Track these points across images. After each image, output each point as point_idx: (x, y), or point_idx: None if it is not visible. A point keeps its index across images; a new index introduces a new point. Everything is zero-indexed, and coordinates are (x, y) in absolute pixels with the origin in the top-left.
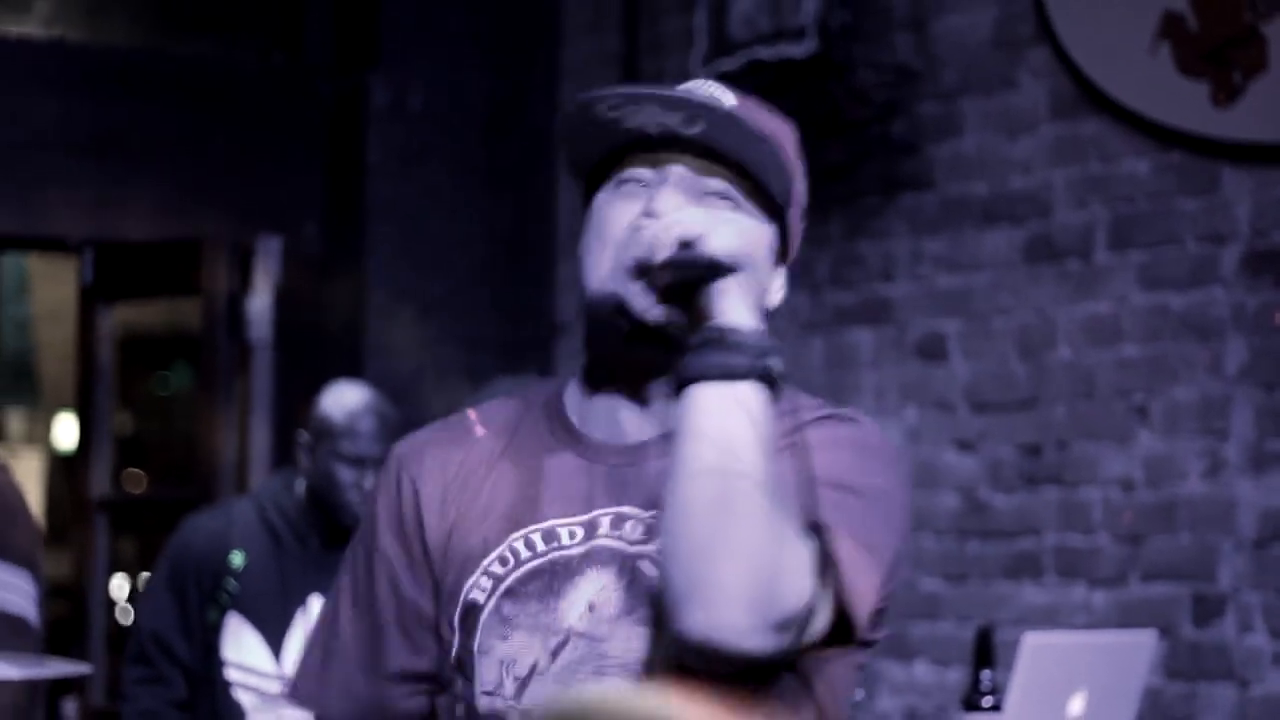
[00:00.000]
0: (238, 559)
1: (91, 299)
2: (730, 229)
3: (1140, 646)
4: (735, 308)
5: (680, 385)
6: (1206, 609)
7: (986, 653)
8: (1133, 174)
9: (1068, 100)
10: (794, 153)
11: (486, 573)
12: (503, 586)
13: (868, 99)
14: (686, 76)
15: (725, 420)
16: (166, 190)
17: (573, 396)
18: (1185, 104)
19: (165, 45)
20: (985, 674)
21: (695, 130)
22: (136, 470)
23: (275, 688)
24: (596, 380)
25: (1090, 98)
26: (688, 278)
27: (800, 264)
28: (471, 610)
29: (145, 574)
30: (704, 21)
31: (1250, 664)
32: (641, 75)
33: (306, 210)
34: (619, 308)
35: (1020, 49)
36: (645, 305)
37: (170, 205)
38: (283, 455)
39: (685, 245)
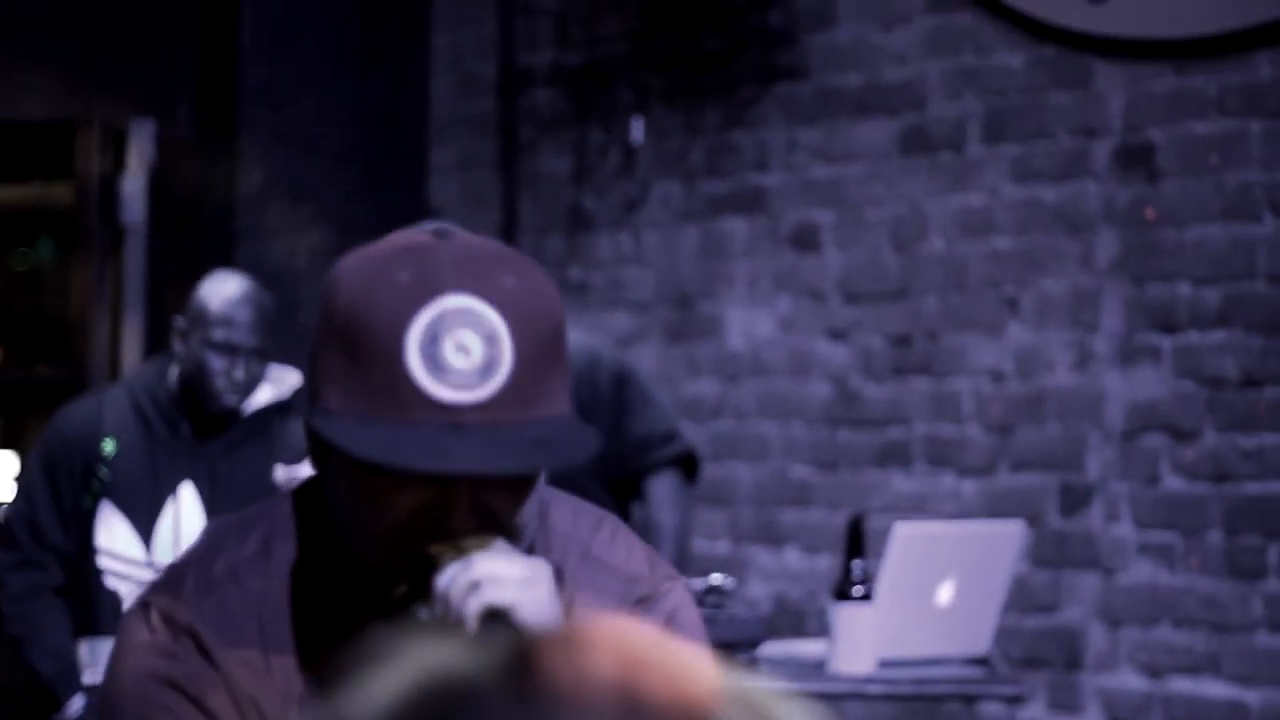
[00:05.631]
0: (109, 446)
1: None
2: (540, 591)
3: (1008, 536)
4: None
5: None
6: (1074, 499)
7: (858, 542)
8: (1006, 67)
9: None
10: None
11: None
12: None
13: None
14: None
15: None
16: (38, 71)
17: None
18: None
19: None
20: (856, 563)
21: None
22: None
23: (145, 575)
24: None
25: None
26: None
27: (674, 153)
28: None
29: (9, 453)
30: None
31: (1116, 553)
32: None
33: (179, 92)
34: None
35: None
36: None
37: (42, 86)
38: (156, 338)
39: (494, 613)
